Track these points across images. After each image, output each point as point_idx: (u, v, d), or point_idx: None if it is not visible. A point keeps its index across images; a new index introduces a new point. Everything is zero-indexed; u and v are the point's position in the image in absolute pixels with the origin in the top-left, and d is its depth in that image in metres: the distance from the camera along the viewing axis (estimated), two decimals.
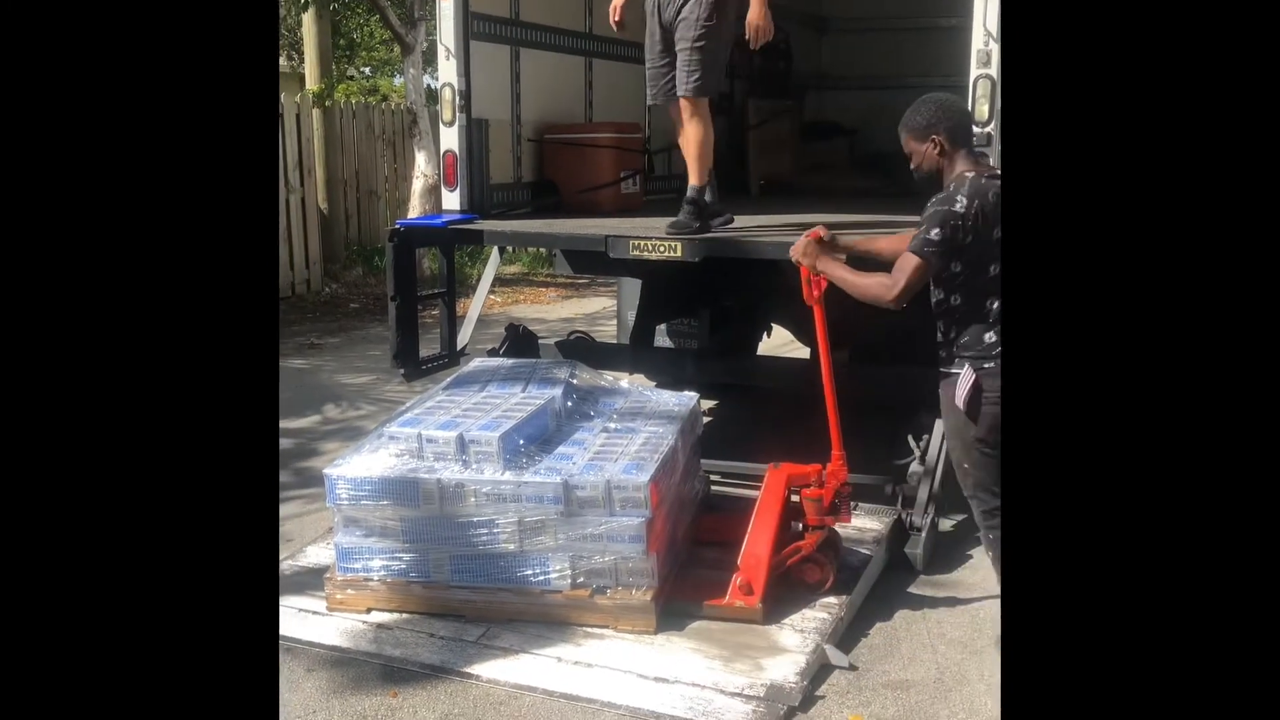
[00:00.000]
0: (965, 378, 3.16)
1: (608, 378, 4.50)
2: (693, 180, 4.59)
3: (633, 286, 6.08)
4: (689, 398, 4.31)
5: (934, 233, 3.10)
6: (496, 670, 3.28)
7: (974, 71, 4.08)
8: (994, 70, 4.04)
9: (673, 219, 4.55)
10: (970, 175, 3.18)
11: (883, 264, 3.40)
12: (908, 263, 3.17)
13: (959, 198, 3.12)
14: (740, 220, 5.04)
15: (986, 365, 3.14)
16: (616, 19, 4.60)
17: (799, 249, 3.53)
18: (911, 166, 3.33)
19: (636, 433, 3.86)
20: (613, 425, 3.96)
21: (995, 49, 4.02)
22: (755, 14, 4.35)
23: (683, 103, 4.53)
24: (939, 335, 3.28)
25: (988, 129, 4.08)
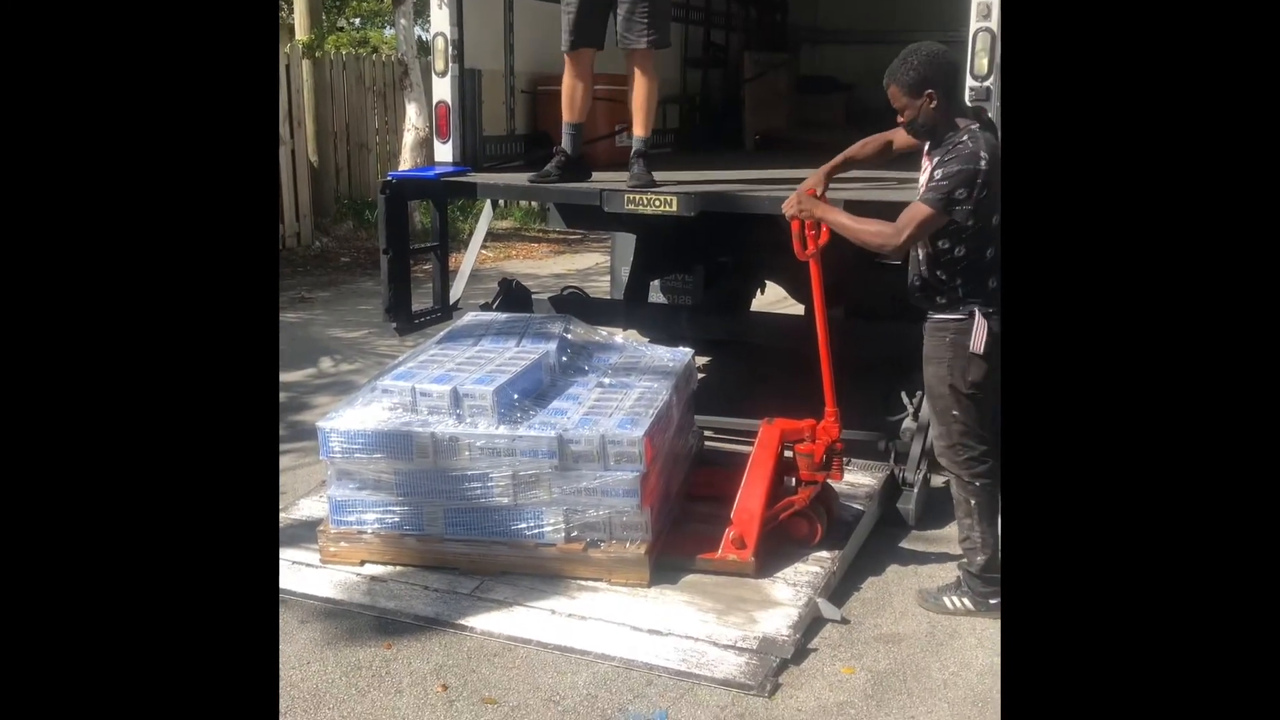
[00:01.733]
0: (979, 324, 3.22)
1: (602, 333, 4.49)
2: (642, 133, 4.61)
3: (626, 242, 6.04)
4: (684, 353, 4.30)
5: (960, 192, 3.12)
6: (491, 622, 3.29)
7: (974, 24, 4.03)
8: (994, 23, 3.99)
9: (633, 175, 4.52)
10: (975, 128, 3.21)
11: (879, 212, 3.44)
12: (919, 213, 3.19)
13: (981, 154, 3.13)
14: (736, 174, 5.01)
15: (990, 310, 3.22)
16: None
17: (792, 203, 3.51)
18: (902, 120, 3.31)
19: (631, 388, 3.85)
20: (607, 380, 3.95)
21: (995, 2, 3.97)
22: None
23: (638, 55, 4.53)
24: (934, 283, 3.31)
25: (987, 83, 4.04)
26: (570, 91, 4.66)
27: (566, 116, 4.71)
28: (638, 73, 4.57)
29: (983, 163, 3.12)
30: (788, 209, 3.52)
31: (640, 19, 4.45)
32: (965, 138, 3.18)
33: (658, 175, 4.61)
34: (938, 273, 3.30)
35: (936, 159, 3.23)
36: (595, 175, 4.82)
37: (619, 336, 4.57)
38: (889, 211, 4.24)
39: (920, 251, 3.35)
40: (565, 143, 4.71)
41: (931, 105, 3.20)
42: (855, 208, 4.18)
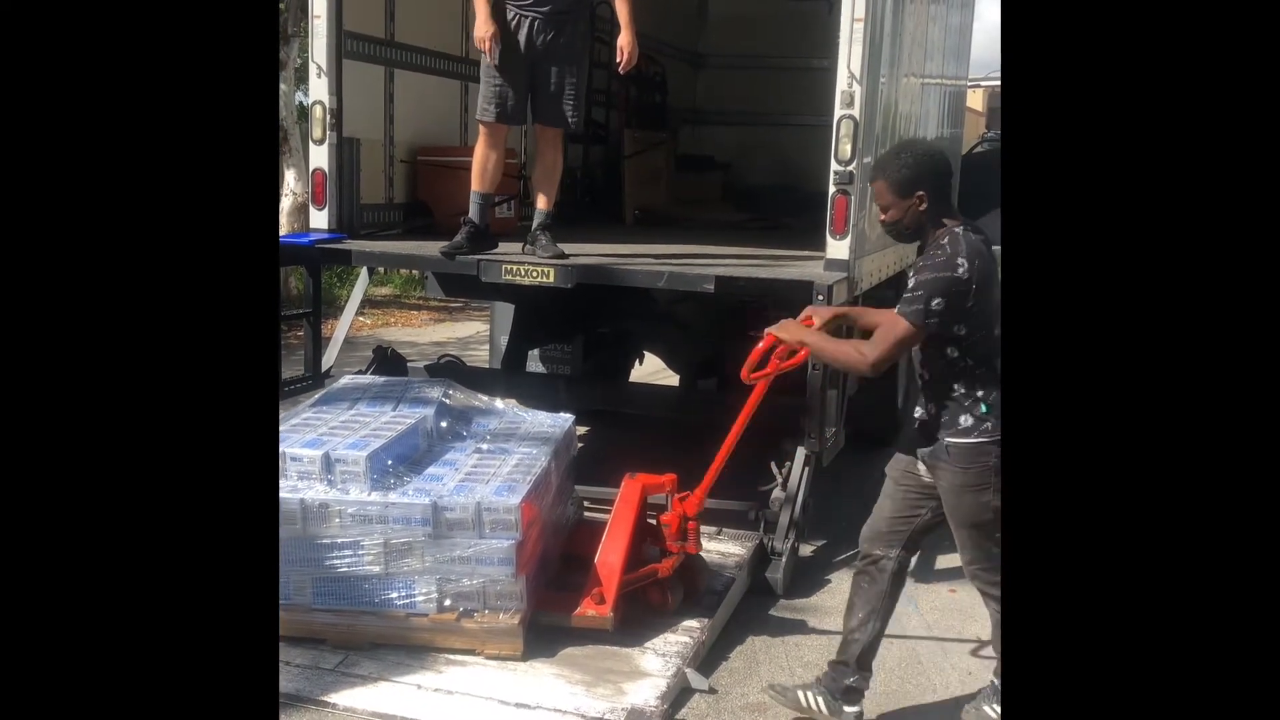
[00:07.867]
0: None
1: (482, 398, 4.48)
2: (547, 206, 4.73)
3: (506, 311, 6.07)
4: (564, 419, 4.33)
5: (936, 302, 2.83)
6: (354, 698, 3.21)
7: (838, 111, 4.25)
8: (857, 111, 4.21)
9: (543, 246, 4.58)
10: (959, 231, 2.92)
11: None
12: (897, 328, 2.89)
13: (959, 262, 2.84)
14: (615, 248, 5.11)
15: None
16: (490, 54, 4.50)
17: (784, 327, 3.17)
18: (883, 219, 3.05)
19: (509, 454, 3.85)
20: (485, 446, 3.94)
21: (859, 90, 4.20)
22: (627, 39, 4.52)
23: (553, 133, 4.69)
24: (952, 400, 2.94)
25: (850, 167, 4.24)
26: (484, 161, 4.68)
27: (476, 186, 4.71)
28: (551, 150, 4.74)
29: (960, 269, 2.83)
30: (775, 330, 3.17)
31: (568, 101, 4.62)
32: (945, 241, 2.90)
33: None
34: (955, 386, 2.94)
35: (915, 266, 2.99)
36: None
37: (499, 402, 4.56)
38: (761, 286, 4.38)
39: (926, 373, 3.02)
40: (473, 212, 4.71)
41: (921, 208, 2.93)
42: (724, 283, 4.32)
